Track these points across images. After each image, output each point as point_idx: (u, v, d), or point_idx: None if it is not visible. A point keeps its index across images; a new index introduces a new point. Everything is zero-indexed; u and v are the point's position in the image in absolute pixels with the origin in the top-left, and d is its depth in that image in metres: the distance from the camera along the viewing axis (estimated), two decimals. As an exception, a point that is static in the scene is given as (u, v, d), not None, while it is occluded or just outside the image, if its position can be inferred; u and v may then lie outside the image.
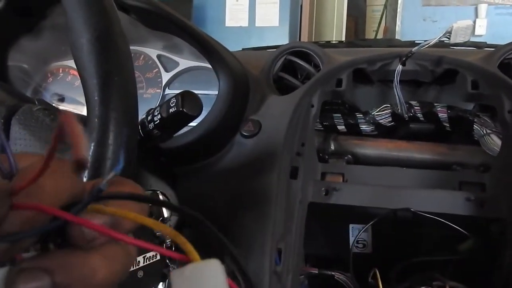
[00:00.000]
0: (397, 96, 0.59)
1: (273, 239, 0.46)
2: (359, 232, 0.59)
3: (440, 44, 0.63)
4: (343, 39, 4.14)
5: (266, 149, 0.52)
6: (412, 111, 0.61)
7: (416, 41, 0.91)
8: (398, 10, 3.55)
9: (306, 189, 0.53)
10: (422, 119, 0.61)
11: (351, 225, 0.63)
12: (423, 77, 0.62)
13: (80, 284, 0.18)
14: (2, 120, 0.30)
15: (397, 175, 0.59)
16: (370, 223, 0.52)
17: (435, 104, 0.61)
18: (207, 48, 0.54)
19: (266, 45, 1.02)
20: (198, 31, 0.54)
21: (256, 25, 3.96)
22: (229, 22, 4.02)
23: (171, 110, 0.37)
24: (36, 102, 0.33)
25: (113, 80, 0.28)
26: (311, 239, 0.59)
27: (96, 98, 0.27)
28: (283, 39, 3.88)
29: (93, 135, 0.27)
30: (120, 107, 0.27)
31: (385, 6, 4.47)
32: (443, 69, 0.59)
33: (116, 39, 0.29)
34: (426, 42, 0.57)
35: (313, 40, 4.72)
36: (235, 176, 0.52)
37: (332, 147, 0.64)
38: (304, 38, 4.66)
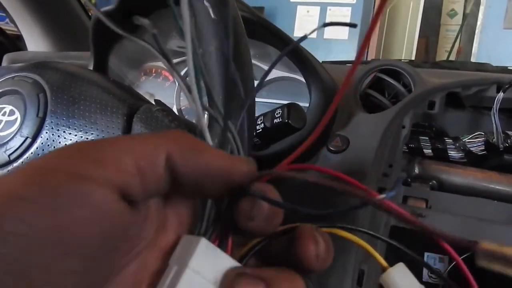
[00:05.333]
0: (494, 125, 0.56)
1: (356, 259, 0.45)
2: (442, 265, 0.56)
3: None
4: (413, 57, 4.03)
5: (353, 167, 0.51)
6: (509, 141, 0.58)
7: (509, 67, 0.86)
8: (476, 31, 3.39)
9: (391, 212, 0.52)
10: (519, 151, 0.58)
11: (426, 253, 0.61)
12: (523, 106, 0.59)
13: None
14: (125, 118, 0.31)
15: (486, 207, 0.56)
16: (464, 256, 0.49)
17: (535, 137, 0.57)
18: (302, 60, 0.54)
19: (345, 60, 1.01)
20: (293, 41, 0.54)
21: (325, 37, 3.96)
22: (297, 32, 4.05)
23: (275, 121, 0.38)
24: (154, 103, 0.35)
25: (237, 89, 0.28)
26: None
27: (220, 106, 0.28)
28: (351, 53, 3.84)
29: (216, 141, 0.28)
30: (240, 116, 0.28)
31: (462, 26, 4.30)
32: (547, 100, 0.56)
33: (243, 49, 0.29)
34: (533, 71, 0.54)
35: (381, 56, 4.63)
36: (319, 190, 0.52)
37: (416, 171, 0.62)
38: (372, 54, 4.58)
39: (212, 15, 0.31)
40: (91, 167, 0.16)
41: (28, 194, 0.15)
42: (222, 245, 0.20)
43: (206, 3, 0.31)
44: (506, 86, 0.55)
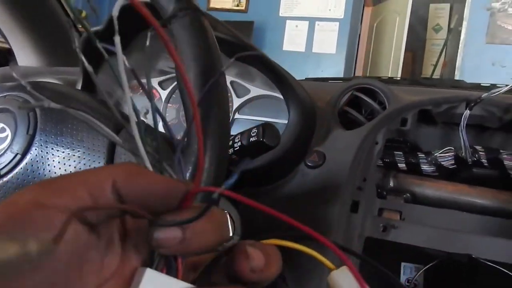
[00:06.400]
0: (462, 141, 0.59)
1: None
2: (416, 274, 0.59)
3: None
4: (400, 70, 4.10)
5: (329, 181, 0.54)
6: (477, 156, 0.61)
7: (481, 84, 0.90)
8: (460, 46, 3.47)
9: (365, 224, 0.54)
10: (487, 164, 0.61)
11: (403, 263, 0.64)
12: (490, 123, 0.62)
13: None
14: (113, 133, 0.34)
15: (457, 219, 0.59)
16: (430, 264, 0.52)
17: (501, 151, 0.60)
18: (280, 79, 0.57)
19: (328, 77, 1.05)
20: (273, 63, 0.57)
21: (313, 51, 4.03)
22: (286, 46, 4.11)
23: (251, 139, 0.40)
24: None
25: (213, 111, 0.31)
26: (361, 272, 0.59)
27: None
28: (339, 67, 3.91)
29: (192, 158, 0.30)
30: (217, 136, 0.31)
31: (446, 41, 4.40)
32: (512, 116, 0.59)
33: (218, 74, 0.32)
34: (497, 90, 0.58)
35: (368, 70, 4.70)
36: (296, 203, 0.55)
37: (391, 184, 0.65)
38: (360, 67, 4.65)
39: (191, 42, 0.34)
40: (51, 196, 0.20)
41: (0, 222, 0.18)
42: (170, 272, 0.22)
43: (182, 30, 0.34)
44: (472, 104, 0.59)
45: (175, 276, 0.22)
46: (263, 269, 0.22)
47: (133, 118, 0.21)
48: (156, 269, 0.22)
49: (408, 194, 0.64)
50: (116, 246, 0.22)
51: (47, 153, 0.34)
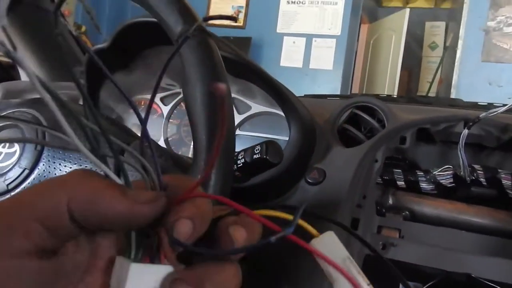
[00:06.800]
0: (460, 159, 0.60)
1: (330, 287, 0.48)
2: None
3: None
4: (396, 87, 4.14)
5: (329, 198, 0.54)
6: (475, 174, 0.62)
7: (479, 103, 0.92)
8: (456, 64, 3.52)
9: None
10: (485, 183, 0.62)
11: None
12: (488, 142, 0.63)
13: None
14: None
15: (455, 237, 0.59)
16: (430, 284, 0.53)
17: (499, 170, 0.61)
18: (281, 96, 0.58)
19: (326, 93, 1.06)
20: (274, 80, 0.58)
21: (310, 67, 4.07)
22: (284, 62, 4.16)
23: (255, 156, 0.41)
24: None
25: (219, 129, 0.32)
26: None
27: (204, 144, 0.31)
28: (335, 83, 3.95)
29: (198, 175, 0.31)
30: (223, 153, 0.31)
31: (442, 59, 4.45)
32: (510, 136, 0.60)
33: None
34: (495, 110, 0.59)
35: (365, 86, 4.74)
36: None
37: (390, 202, 0.65)
38: (356, 84, 4.69)
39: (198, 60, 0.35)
40: (3, 240, 0.19)
41: None
42: (154, 260, 0.22)
43: (190, 51, 0.35)
44: (471, 124, 0.60)
45: (158, 262, 0.21)
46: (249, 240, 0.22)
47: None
48: (137, 259, 0.21)
49: (407, 212, 0.64)
50: (84, 246, 0.21)
51: (54, 168, 0.35)
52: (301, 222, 0.21)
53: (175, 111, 0.74)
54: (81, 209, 0.20)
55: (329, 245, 0.22)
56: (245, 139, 0.67)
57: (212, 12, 4.31)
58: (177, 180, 0.23)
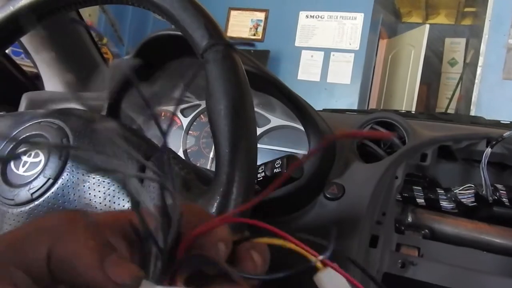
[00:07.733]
0: (483, 178, 0.59)
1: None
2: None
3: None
4: (414, 103, 4.11)
5: (348, 214, 0.54)
6: (497, 194, 0.60)
7: (501, 121, 0.90)
8: (476, 81, 3.47)
9: (384, 259, 0.54)
10: (508, 204, 0.60)
11: (420, 301, 0.62)
12: (511, 161, 0.62)
13: None
14: (139, 164, 0.35)
15: (476, 258, 0.58)
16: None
17: (522, 191, 0.60)
18: (301, 110, 0.58)
19: (345, 108, 1.06)
20: (294, 94, 0.58)
21: (328, 81, 4.07)
22: (301, 76, 4.17)
23: (275, 170, 0.41)
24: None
25: (242, 143, 0.32)
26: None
27: (226, 158, 0.31)
28: (353, 98, 3.93)
29: (220, 188, 0.31)
30: (245, 168, 0.31)
31: (462, 75, 4.40)
32: (534, 156, 0.59)
33: (247, 107, 0.33)
34: (519, 129, 0.58)
35: (382, 101, 4.71)
36: (314, 235, 0.54)
37: (410, 219, 0.64)
38: (374, 99, 4.66)
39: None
40: None
41: None
42: (173, 283, 0.22)
43: (215, 65, 0.35)
44: (494, 142, 0.59)
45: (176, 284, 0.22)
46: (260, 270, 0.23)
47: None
48: (160, 283, 0.21)
49: (426, 230, 0.63)
50: None
51: (78, 178, 0.35)
52: (299, 249, 0.23)
53: (194, 123, 0.74)
54: (57, 266, 0.20)
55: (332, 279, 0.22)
56: (264, 152, 0.67)
57: (231, 25, 4.36)
58: (193, 210, 0.24)
